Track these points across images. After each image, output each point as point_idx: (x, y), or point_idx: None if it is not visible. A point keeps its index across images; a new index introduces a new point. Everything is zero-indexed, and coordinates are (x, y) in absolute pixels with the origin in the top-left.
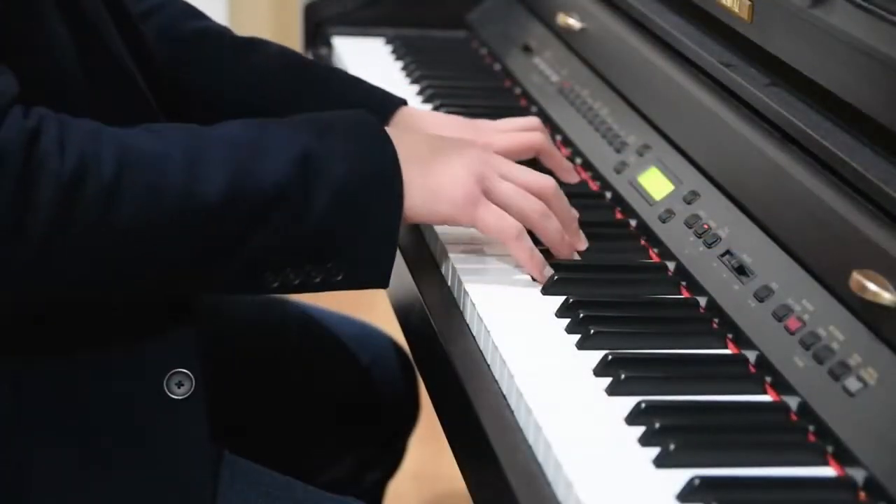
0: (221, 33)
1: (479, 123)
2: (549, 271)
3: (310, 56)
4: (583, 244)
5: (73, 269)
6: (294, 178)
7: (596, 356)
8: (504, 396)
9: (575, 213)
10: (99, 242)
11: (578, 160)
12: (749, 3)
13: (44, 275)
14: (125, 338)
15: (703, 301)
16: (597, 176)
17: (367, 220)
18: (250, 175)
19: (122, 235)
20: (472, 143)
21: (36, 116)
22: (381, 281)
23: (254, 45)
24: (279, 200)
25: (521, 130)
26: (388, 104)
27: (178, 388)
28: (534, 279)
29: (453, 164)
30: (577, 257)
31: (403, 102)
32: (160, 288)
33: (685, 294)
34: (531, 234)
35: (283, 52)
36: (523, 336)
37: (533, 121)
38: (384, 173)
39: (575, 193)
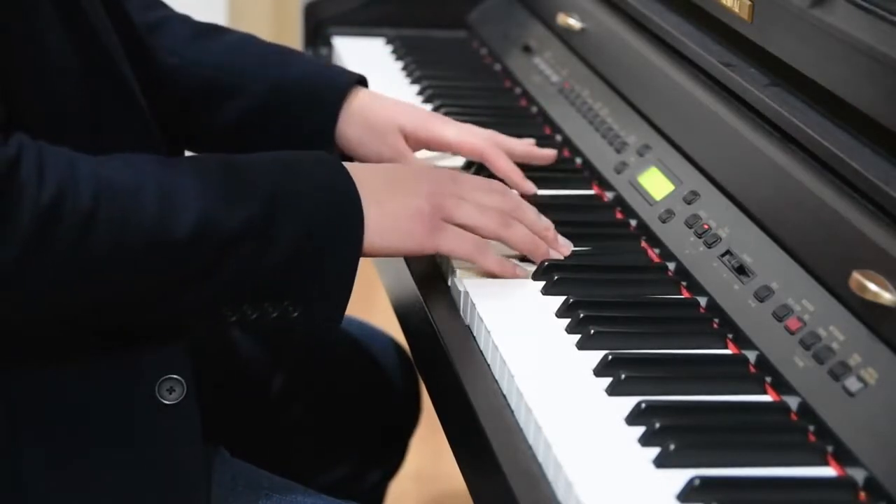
0: (182, 21)
1: (431, 113)
2: (522, 271)
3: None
4: (566, 249)
5: (42, 296)
6: (259, 219)
7: (596, 356)
8: (504, 396)
9: (546, 223)
10: (69, 271)
11: (578, 160)
12: (749, 3)
13: (13, 300)
14: (116, 345)
15: (703, 301)
16: (597, 176)
17: (326, 261)
18: (218, 213)
19: (92, 265)
20: (428, 170)
21: (15, 144)
22: (336, 320)
23: (216, 29)
24: (243, 239)
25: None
26: (345, 81)
27: (170, 393)
28: (535, 279)
29: (411, 197)
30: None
31: (362, 82)
32: (123, 317)
33: (685, 294)
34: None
35: (245, 35)
36: (523, 336)
37: (489, 132)
38: (345, 217)
39: (575, 194)
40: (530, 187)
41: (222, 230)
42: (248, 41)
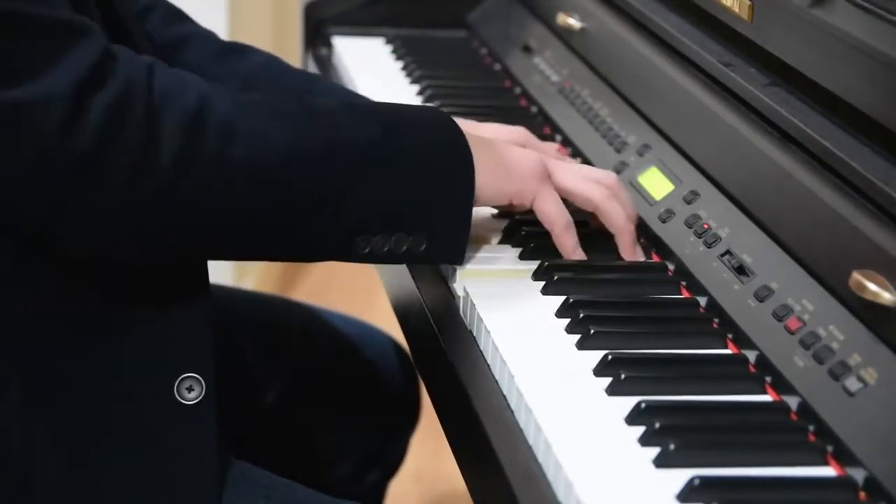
0: (207, 38)
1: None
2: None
3: (310, 56)
4: (639, 254)
5: (185, 207)
6: (384, 143)
7: (596, 356)
8: (504, 396)
9: (635, 212)
10: (213, 182)
11: (579, 160)
12: (749, 3)
13: (161, 210)
14: (137, 340)
15: (703, 301)
16: None
17: (447, 190)
18: (347, 137)
19: (233, 178)
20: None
21: (149, 58)
22: (458, 255)
23: (239, 52)
24: (372, 162)
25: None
26: None
27: (189, 392)
28: (535, 278)
29: (518, 151)
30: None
31: None
32: (254, 245)
33: (685, 294)
34: None
35: (269, 61)
36: (523, 336)
37: (520, 131)
38: (457, 150)
39: None
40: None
41: (350, 152)
42: (274, 64)
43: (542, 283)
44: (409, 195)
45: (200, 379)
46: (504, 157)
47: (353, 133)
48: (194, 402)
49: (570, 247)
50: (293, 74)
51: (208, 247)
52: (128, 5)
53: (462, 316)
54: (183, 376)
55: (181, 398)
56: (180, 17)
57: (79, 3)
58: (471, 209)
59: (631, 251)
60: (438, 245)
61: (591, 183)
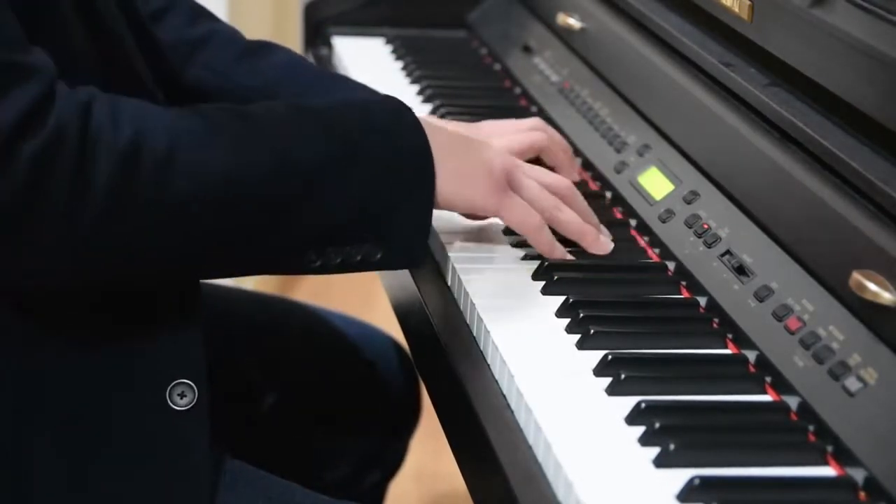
0: (230, 36)
1: (480, 126)
2: (569, 257)
3: (310, 56)
4: (606, 245)
5: (126, 246)
6: (336, 155)
7: (596, 356)
8: (504, 396)
9: (592, 212)
10: (153, 217)
11: (579, 160)
12: (749, 3)
13: (100, 251)
14: (128, 347)
15: (703, 301)
16: (597, 176)
17: (404, 198)
18: (294, 151)
19: (175, 209)
20: (494, 145)
21: (86, 92)
22: (417, 262)
23: (262, 50)
24: (322, 175)
25: (523, 132)
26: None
27: (181, 398)
28: (535, 278)
29: (482, 154)
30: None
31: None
32: (206, 267)
33: (685, 294)
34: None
35: (291, 60)
36: (523, 336)
37: (535, 122)
38: (417, 156)
39: None
40: (577, 175)
41: (298, 169)
42: (297, 64)
43: (542, 283)
44: (364, 206)
45: (192, 385)
46: (467, 165)
47: (302, 148)
48: (186, 407)
49: (546, 247)
50: (318, 75)
51: (158, 275)
52: (131, 10)
53: (462, 316)
54: (175, 382)
55: (173, 404)
56: (203, 14)
57: (54, 19)
58: (430, 216)
59: (596, 248)
60: (395, 253)
61: (546, 196)
